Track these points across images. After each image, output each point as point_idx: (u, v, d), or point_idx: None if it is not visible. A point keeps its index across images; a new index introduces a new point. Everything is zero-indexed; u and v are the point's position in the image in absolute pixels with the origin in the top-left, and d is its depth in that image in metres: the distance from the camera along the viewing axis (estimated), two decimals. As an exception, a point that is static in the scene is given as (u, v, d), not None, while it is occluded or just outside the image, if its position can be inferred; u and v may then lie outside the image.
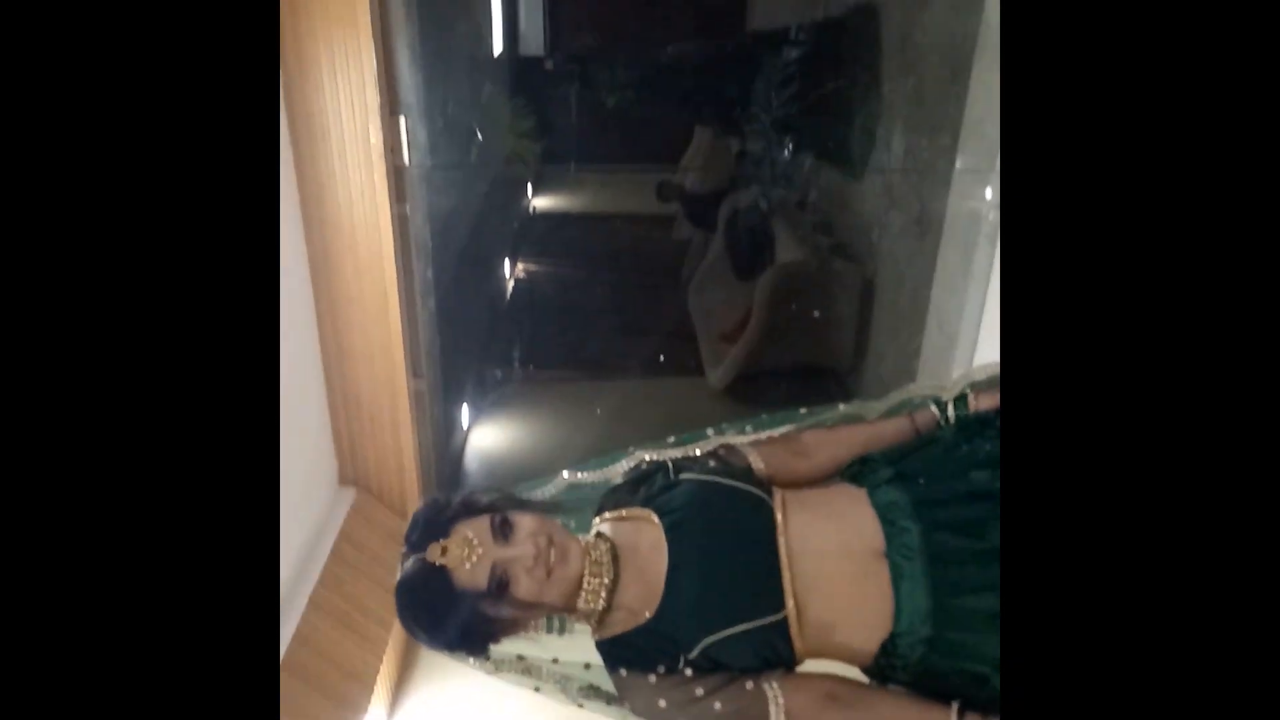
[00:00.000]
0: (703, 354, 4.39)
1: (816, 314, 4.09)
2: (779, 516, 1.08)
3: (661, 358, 4.47)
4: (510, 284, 5.00)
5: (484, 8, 4.27)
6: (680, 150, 4.78)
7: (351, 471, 2.97)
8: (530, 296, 4.94)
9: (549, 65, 4.58)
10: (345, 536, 2.76)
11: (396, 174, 2.58)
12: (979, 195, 2.88)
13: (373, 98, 2.41)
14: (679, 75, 4.66)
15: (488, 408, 4.26)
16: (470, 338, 4.17)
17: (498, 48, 4.43)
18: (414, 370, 2.88)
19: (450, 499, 1.10)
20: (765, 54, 4.24)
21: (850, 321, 4.06)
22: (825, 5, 4.28)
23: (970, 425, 1.19)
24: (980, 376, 1.27)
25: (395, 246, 2.62)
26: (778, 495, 1.12)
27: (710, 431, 1.25)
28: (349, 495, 2.93)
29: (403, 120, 2.57)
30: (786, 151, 4.26)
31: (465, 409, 3.98)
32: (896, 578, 1.04)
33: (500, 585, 1.01)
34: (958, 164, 3.06)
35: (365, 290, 2.68)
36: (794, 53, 4.15)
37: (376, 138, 2.46)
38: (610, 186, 5.38)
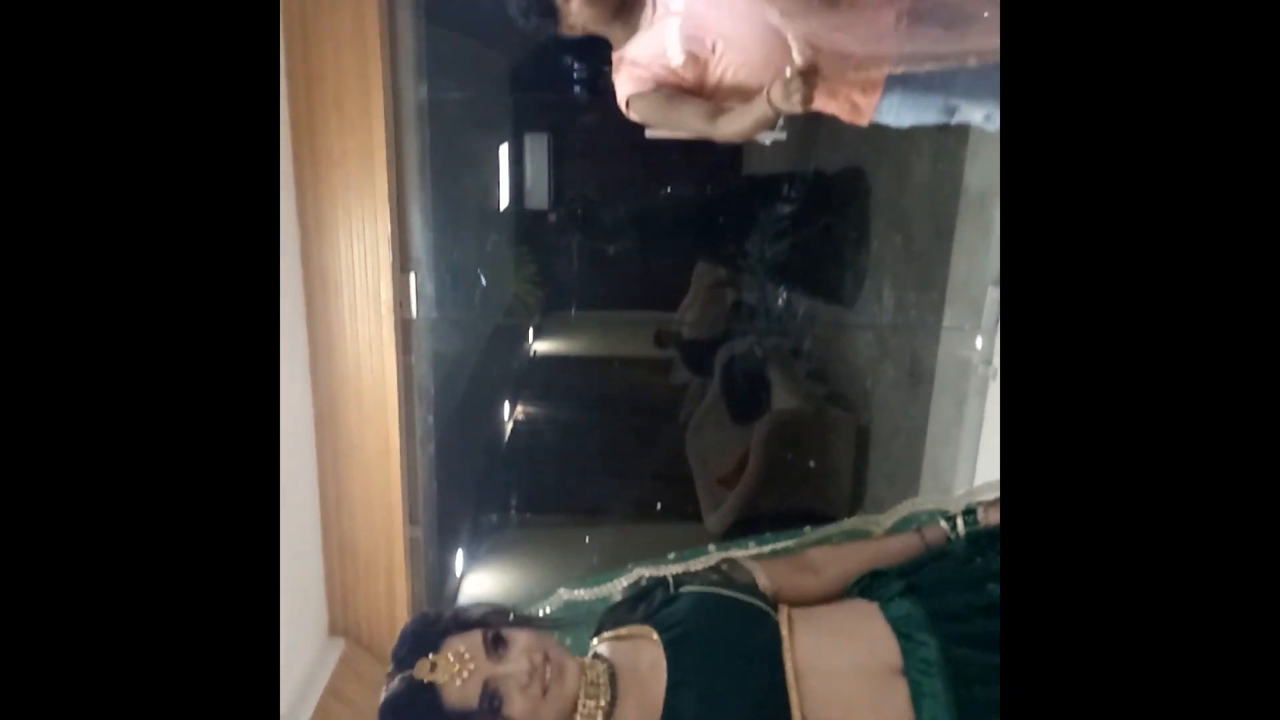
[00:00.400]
0: (700, 499, 4.39)
1: (812, 463, 4.12)
2: (785, 631, 1.03)
3: (659, 504, 4.45)
4: (509, 426, 5.05)
5: (493, 167, 4.53)
6: (678, 296, 4.93)
7: (342, 622, 2.91)
8: (528, 439, 4.97)
9: (552, 218, 4.80)
10: (332, 691, 2.67)
11: (404, 326, 2.68)
12: (969, 347, 2.97)
13: (385, 256, 2.54)
14: (678, 223, 4.88)
15: (482, 554, 4.21)
16: (467, 483, 4.18)
17: (504, 202, 4.66)
18: (410, 517, 2.88)
19: (441, 613, 1.04)
20: (760, 200, 4.45)
21: (846, 468, 4.08)
22: (815, 158, 4.53)
23: (981, 539, 1.17)
24: (986, 495, 1.25)
25: (399, 395, 2.68)
26: (783, 610, 1.07)
27: (712, 547, 1.20)
28: (338, 647, 2.86)
29: (412, 276, 2.68)
30: (780, 300, 4.41)
31: (460, 555, 3.94)
32: (916, 696, 0.97)
33: (492, 704, 0.95)
34: (945, 320, 3.17)
35: (368, 438, 2.72)
36: (787, 207, 4.37)
37: (387, 293, 2.57)
38: (609, 331, 5.52)
